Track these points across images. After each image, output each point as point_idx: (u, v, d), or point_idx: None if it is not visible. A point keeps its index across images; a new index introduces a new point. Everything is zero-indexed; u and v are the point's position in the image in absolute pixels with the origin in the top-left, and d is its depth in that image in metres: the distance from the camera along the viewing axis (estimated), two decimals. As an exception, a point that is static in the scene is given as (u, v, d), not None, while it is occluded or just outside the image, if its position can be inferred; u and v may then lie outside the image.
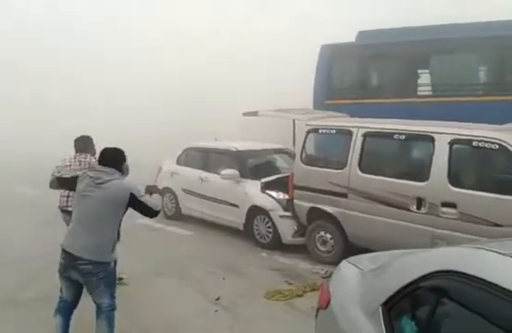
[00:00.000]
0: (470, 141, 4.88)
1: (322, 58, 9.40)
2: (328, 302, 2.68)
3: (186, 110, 13.89)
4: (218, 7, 15.58)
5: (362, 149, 5.73)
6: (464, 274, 1.87)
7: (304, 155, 6.41)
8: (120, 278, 4.76)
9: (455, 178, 4.96)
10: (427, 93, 8.60)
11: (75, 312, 3.75)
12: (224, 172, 7.23)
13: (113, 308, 3.58)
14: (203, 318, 4.53)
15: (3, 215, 7.75)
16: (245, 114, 7.64)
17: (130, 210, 3.65)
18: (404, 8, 11.12)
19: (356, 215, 5.74)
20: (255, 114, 7.37)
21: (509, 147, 4.61)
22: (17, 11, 17.97)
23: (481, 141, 4.79)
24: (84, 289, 3.64)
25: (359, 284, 2.60)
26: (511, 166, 4.75)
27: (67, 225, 4.75)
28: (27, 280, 5.33)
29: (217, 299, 4.94)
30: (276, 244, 6.69)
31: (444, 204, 4.95)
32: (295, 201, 6.43)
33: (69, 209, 4.76)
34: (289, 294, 5.08)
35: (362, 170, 5.70)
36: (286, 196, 6.62)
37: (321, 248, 6.26)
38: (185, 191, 8.10)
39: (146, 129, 14.15)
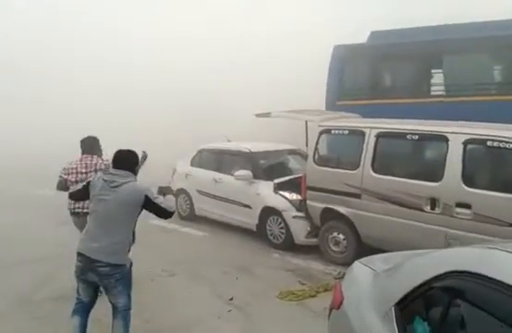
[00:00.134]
0: (485, 140, 4.83)
1: (334, 59, 9.37)
2: (341, 303, 2.69)
3: (197, 112, 13.94)
4: (223, 9, 15.63)
5: (375, 149, 5.71)
6: (478, 274, 1.86)
7: (317, 156, 6.41)
8: None
9: (469, 179, 4.92)
10: (440, 93, 8.53)
11: (91, 312, 3.80)
12: (237, 173, 7.26)
13: (129, 308, 3.64)
14: (217, 318, 4.55)
15: (19, 216, 7.89)
16: (258, 115, 7.65)
17: (144, 211, 3.69)
18: (408, 7, 11.07)
19: (369, 216, 5.73)
20: (268, 115, 7.38)
21: (524, 147, 4.56)
22: (16, 11, 18.17)
23: (495, 140, 4.74)
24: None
25: (371, 284, 2.60)
26: (526, 166, 4.71)
27: (77, 227, 4.83)
28: (42, 280, 5.40)
29: (231, 299, 4.97)
30: (289, 245, 6.70)
31: (459, 205, 4.91)
32: (308, 201, 6.43)
33: (77, 211, 4.84)
34: (302, 295, 5.08)
35: (375, 171, 5.68)
36: (299, 197, 6.62)
37: (334, 249, 6.25)
38: (199, 192, 8.15)
39: (157, 132, 14.20)
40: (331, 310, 2.88)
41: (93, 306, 3.77)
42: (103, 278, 3.52)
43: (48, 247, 6.43)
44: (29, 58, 17.06)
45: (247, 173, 7.18)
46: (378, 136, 5.71)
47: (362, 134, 5.85)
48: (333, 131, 6.37)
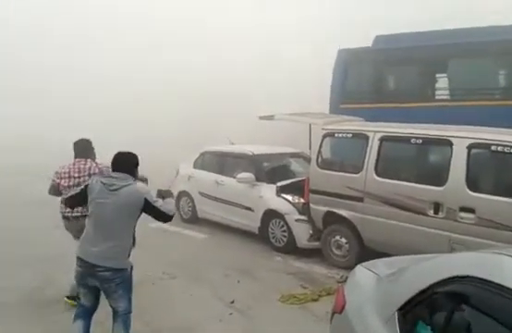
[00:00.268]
0: (489, 145, 4.81)
1: (338, 62, 9.38)
2: (343, 307, 2.67)
3: (201, 114, 13.96)
4: (226, 8, 15.64)
5: (379, 153, 5.69)
6: (483, 280, 1.84)
7: (320, 159, 6.40)
8: None
9: (473, 183, 4.90)
10: (445, 98, 8.51)
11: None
12: (240, 176, 7.25)
13: (129, 312, 3.60)
14: (218, 321, 4.53)
15: (22, 216, 7.89)
16: (261, 118, 7.65)
17: (145, 213, 3.64)
18: (410, 10, 11.07)
19: (372, 220, 5.70)
20: (271, 118, 7.38)
21: (529, 152, 4.54)
22: (17, 11, 18.24)
23: (499, 145, 4.72)
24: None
25: (374, 289, 2.58)
26: (531, 171, 4.68)
27: (68, 230, 4.74)
28: (45, 281, 5.39)
29: (232, 302, 4.95)
30: (291, 248, 6.68)
31: (462, 209, 4.89)
32: (310, 205, 6.41)
33: (66, 215, 4.67)
34: (304, 298, 5.06)
35: (379, 174, 5.66)
36: (302, 200, 6.61)
37: (336, 252, 6.22)
38: (201, 194, 8.14)
39: (157, 135, 14.21)
40: (333, 314, 2.86)
41: (95, 310, 3.72)
42: (103, 283, 3.47)
43: (50, 247, 6.42)
44: (28, 51, 17.09)
45: (249, 176, 7.17)
46: (382, 140, 5.69)
47: (366, 138, 5.84)
48: (336, 135, 6.36)
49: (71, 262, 3.66)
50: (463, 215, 4.88)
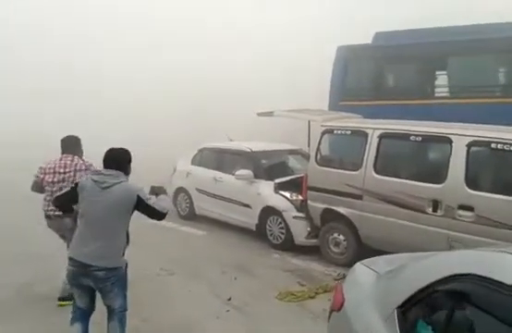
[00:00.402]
0: (489, 143, 4.79)
1: (337, 59, 9.34)
2: (342, 305, 2.65)
3: (201, 112, 13.93)
4: (231, 8, 15.63)
5: (378, 150, 5.67)
6: (485, 278, 1.82)
7: (319, 156, 6.37)
8: None
9: (472, 181, 4.89)
10: (444, 95, 8.49)
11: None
12: (238, 173, 7.22)
13: (125, 309, 3.51)
14: (215, 318, 4.51)
15: (20, 212, 7.84)
16: (260, 114, 7.61)
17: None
18: (410, 10, 11.04)
19: (370, 217, 5.68)
20: (270, 114, 7.34)
21: (529, 149, 4.52)
22: (17, 11, 18.18)
23: (499, 143, 4.70)
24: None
25: (373, 286, 2.56)
26: (530, 169, 4.67)
27: (51, 229, 4.65)
28: (40, 277, 5.35)
29: (229, 299, 4.93)
30: (289, 245, 6.66)
31: (461, 207, 4.87)
32: (308, 202, 6.39)
33: (49, 213, 4.57)
34: (301, 296, 5.05)
35: (377, 172, 5.64)
36: (300, 197, 6.59)
37: (334, 250, 6.21)
38: (199, 190, 8.11)
39: (156, 133, 14.19)
40: (331, 312, 2.84)
41: (93, 311, 3.60)
42: (98, 283, 3.37)
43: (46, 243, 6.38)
44: (28, 51, 17.05)
45: (248, 172, 7.14)
46: (381, 137, 5.67)
47: (365, 135, 5.81)
48: (335, 132, 6.33)
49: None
50: (462, 212, 4.87)
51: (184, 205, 8.40)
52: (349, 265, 4.47)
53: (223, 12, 15.70)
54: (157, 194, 3.71)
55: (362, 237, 5.88)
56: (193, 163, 8.45)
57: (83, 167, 4.59)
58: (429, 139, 5.38)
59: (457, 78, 8.40)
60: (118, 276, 3.42)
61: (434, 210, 5.08)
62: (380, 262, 2.98)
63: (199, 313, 4.61)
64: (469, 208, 4.82)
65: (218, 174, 7.77)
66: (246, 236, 7.28)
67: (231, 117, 12.64)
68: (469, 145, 4.89)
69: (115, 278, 3.39)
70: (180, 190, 8.38)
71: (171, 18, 16.26)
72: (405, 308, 2.16)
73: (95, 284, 3.39)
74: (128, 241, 3.54)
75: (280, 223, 6.76)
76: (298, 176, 6.84)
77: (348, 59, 9.24)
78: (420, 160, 5.97)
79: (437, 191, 5.07)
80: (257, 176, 7.14)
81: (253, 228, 7.17)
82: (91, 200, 3.40)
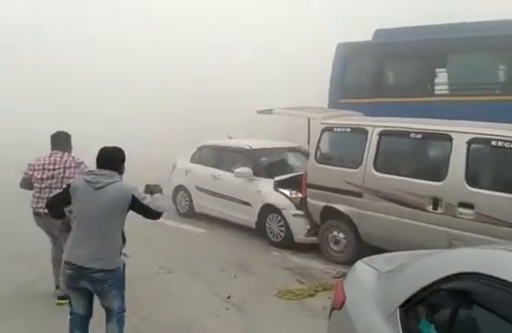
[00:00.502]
0: (489, 140, 4.78)
1: (337, 57, 9.30)
2: (343, 303, 2.63)
3: (201, 111, 13.90)
4: (231, 8, 15.60)
5: (378, 148, 5.65)
6: (489, 276, 1.80)
7: (318, 154, 6.35)
8: None
9: (472, 179, 4.87)
10: (444, 92, 8.47)
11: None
12: (237, 170, 7.20)
13: (123, 310, 3.45)
14: (214, 316, 4.50)
15: (17, 212, 7.81)
16: (259, 112, 7.59)
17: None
18: (410, 9, 11.00)
19: (370, 215, 5.67)
20: (270, 112, 7.32)
21: (529, 147, 4.50)
22: (16, 11, 18.12)
23: (499, 140, 4.68)
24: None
25: (375, 285, 2.54)
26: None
27: (40, 227, 4.57)
28: (34, 275, 5.32)
29: (228, 297, 4.91)
30: (289, 243, 6.64)
31: (461, 205, 4.86)
32: (308, 200, 6.37)
33: (38, 211, 4.48)
34: (301, 294, 5.03)
35: (377, 169, 5.62)
36: (300, 195, 6.57)
37: (333, 247, 6.20)
38: (198, 188, 8.09)
39: (155, 130, 14.16)
40: (332, 310, 2.82)
41: (91, 317, 3.51)
42: (96, 285, 3.29)
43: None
44: (28, 50, 17.00)
45: (247, 170, 7.12)
46: (381, 134, 5.65)
47: (365, 132, 5.79)
48: (335, 129, 6.31)
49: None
50: (462, 210, 4.86)
51: (183, 203, 8.38)
52: (349, 262, 4.46)
53: (223, 12, 15.66)
54: (152, 193, 3.60)
55: (362, 235, 5.87)
56: (192, 161, 8.43)
57: (73, 164, 4.52)
58: (429, 136, 5.36)
59: (458, 75, 8.37)
60: (116, 277, 3.35)
61: (434, 208, 5.06)
62: (381, 260, 2.96)
63: (198, 311, 4.59)
64: (470, 206, 4.80)
65: (217, 172, 7.75)
66: (245, 234, 7.26)
67: (231, 116, 12.61)
68: (470, 143, 4.87)
69: (113, 280, 3.32)
70: (180, 187, 8.36)
71: (171, 18, 16.20)
72: (407, 307, 2.14)
73: (93, 286, 3.31)
74: (124, 241, 3.46)
75: (280, 221, 6.74)
76: (298, 173, 6.82)
77: (348, 56, 9.21)
78: (420, 158, 5.95)
79: (437, 188, 5.05)
80: (256, 173, 7.11)
81: (253, 225, 7.16)
82: (84, 201, 3.32)
